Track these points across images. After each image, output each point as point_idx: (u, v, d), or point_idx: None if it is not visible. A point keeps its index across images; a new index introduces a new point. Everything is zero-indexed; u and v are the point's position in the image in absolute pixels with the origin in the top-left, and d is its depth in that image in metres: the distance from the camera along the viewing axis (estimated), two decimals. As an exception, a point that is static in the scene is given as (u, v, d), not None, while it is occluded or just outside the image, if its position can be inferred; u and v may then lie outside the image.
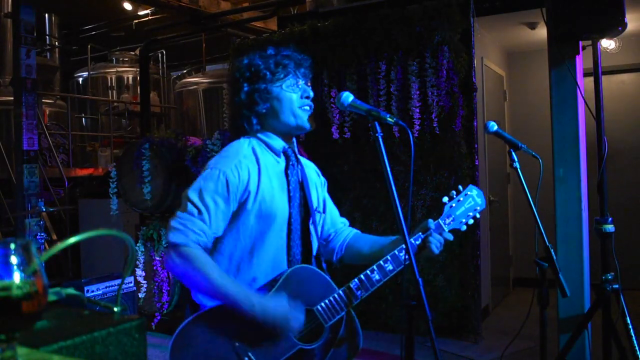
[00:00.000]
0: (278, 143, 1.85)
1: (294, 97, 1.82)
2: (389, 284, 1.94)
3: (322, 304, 1.75)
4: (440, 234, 1.84)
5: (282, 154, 1.86)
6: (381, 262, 1.80)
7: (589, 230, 3.45)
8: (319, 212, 1.97)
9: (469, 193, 1.93)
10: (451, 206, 1.90)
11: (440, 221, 1.88)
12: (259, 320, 1.62)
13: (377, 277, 1.79)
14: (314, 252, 1.91)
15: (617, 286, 2.84)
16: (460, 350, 4.06)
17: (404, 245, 1.81)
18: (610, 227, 2.94)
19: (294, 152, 1.89)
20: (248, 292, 1.66)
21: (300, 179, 1.88)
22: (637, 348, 2.69)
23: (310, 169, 2.01)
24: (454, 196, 1.91)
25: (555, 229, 3.47)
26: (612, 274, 2.89)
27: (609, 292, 2.82)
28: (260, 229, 1.76)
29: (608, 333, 2.78)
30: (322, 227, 2.02)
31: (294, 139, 1.92)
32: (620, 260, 2.87)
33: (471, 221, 1.93)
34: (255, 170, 1.77)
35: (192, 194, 1.71)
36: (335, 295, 1.77)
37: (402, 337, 1.73)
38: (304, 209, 1.87)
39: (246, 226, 1.75)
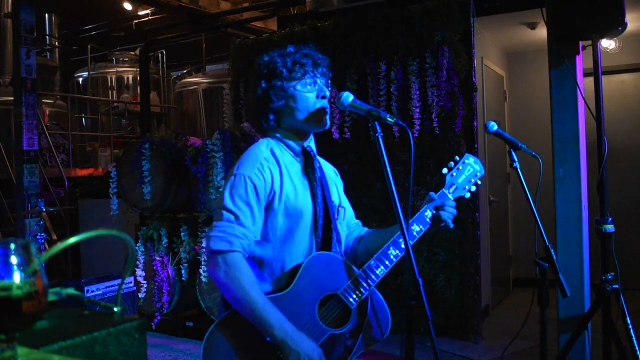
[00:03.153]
0: (296, 142, 1.86)
1: (310, 96, 1.82)
2: (388, 284, 1.94)
3: (345, 286, 1.76)
4: (446, 207, 1.87)
5: (300, 153, 1.88)
6: (395, 237, 1.80)
7: (589, 230, 3.45)
8: (342, 207, 1.98)
9: (466, 161, 1.97)
10: (452, 175, 1.94)
11: (445, 190, 1.91)
12: (287, 349, 1.64)
13: (394, 252, 1.79)
14: (341, 248, 1.91)
15: (617, 286, 2.84)
16: (460, 350, 4.05)
17: (416, 219, 1.84)
18: (610, 227, 2.94)
19: (312, 150, 1.90)
20: (283, 319, 1.67)
21: (319, 177, 1.89)
22: (637, 348, 2.69)
23: (328, 167, 2.03)
24: (452, 166, 1.95)
25: (555, 229, 3.47)
26: (612, 274, 2.88)
27: (609, 292, 2.82)
28: (288, 228, 1.77)
29: (608, 333, 2.78)
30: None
31: (312, 136, 1.92)
32: (620, 260, 2.87)
33: (473, 188, 1.97)
34: (277, 171, 1.79)
35: (225, 202, 1.73)
36: (357, 276, 1.78)
37: (402, 337, 1.74)
38: (326, 206, 1.88)
39: (275, 227, 1.77)
